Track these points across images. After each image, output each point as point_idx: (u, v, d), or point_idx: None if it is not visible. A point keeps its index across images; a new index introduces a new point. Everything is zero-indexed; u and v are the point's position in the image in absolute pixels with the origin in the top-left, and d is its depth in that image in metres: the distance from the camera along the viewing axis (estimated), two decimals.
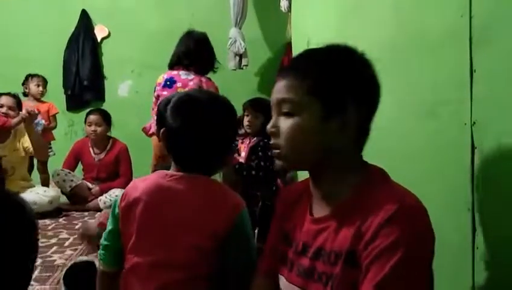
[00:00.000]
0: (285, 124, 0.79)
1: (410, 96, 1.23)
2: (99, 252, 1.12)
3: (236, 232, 1.01)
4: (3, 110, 2.98)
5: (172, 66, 2.54)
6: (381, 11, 1.40)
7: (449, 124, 1.04)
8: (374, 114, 0.81)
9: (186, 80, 2.45)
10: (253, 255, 1.04)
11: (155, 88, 2.53)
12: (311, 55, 0.83)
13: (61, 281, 1.60)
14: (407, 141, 1.25)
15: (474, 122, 0.94)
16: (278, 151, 0.81)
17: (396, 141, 1.29)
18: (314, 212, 0.84)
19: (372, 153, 0.85)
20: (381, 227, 0.68)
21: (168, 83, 2.45)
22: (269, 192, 2.52)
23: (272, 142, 0.82)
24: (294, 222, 0.88)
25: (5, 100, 3.02)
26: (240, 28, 3.96)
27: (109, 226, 1.09)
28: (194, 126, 1.03)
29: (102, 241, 1.11)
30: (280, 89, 0.80)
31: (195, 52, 2.51)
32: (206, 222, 0.99)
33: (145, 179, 1.08)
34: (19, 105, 3.12)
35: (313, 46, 0.82)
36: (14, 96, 3.14)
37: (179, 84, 2.43)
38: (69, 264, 1.68)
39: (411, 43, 1.23)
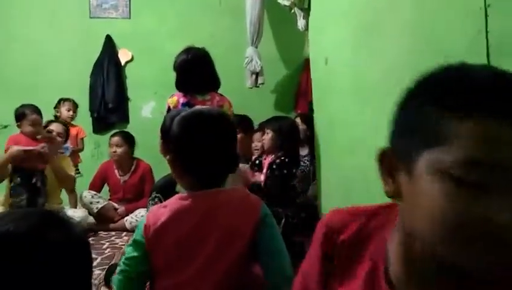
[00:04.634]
0: None
1: None
2: (115, 279, 1.13)
3: (265, 221, 1.12)
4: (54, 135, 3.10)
5: (182, 90, 2.53)
6: (399, 29, 1.41)
7: None
8: None
9: (203, 102, 2.47)
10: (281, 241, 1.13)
11: (169, 110, 2.52)
12: None
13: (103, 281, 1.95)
14: None
15: None
16: None
17: None
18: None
19: None
20: None
21: (186, 108, 2.45)
22: (292, 209, 2.53)
23: None
24: (354, 285, 0.60)
25: (55, 127, 3.18)
26: (256, 47, 4.01)
27: (133, 253, 1.11)
28: (205, 141, 1.13)
29: (120, 267, 1.12)
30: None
31: (199, 70, 2.48)
32: (241, 227, 1.09)
33: (165, 205, 1.13)
34: (66, 133, 3.29)
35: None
36: (64, 124, 3.30)
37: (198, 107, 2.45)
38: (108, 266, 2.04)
39: (430, 61, 1.23)
